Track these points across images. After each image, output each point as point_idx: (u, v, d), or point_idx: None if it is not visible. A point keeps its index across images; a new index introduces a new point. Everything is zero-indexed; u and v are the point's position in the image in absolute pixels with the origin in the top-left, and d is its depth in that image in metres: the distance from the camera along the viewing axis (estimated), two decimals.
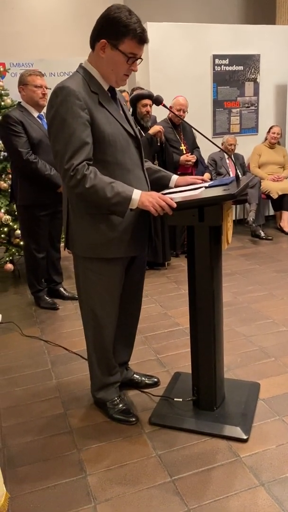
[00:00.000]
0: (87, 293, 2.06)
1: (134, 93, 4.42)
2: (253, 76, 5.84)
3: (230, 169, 5.44)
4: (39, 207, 3.42)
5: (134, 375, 2.46)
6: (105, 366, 2.18)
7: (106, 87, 1.89)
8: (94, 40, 1.83)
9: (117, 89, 1.99)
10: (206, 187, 2.05)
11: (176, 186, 2.17)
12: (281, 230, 5.60)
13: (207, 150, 5.24)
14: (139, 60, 1.85)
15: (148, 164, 2.18)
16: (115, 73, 1.85)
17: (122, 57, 1.80)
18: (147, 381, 2.46)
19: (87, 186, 1.74)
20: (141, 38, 1.78)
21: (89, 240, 1.93)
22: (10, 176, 4.02)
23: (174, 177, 2.19)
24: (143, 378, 2.47)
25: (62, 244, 3.90)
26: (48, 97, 3.31)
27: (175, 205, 1.78)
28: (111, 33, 1.77)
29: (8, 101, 4.17)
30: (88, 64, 1.88)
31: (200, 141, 4.96)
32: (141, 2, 7.11)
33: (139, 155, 2.00)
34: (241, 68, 5.75)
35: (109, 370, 2.20)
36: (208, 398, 2.15)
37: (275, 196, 5.43)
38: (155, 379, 2.47)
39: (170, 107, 4.62)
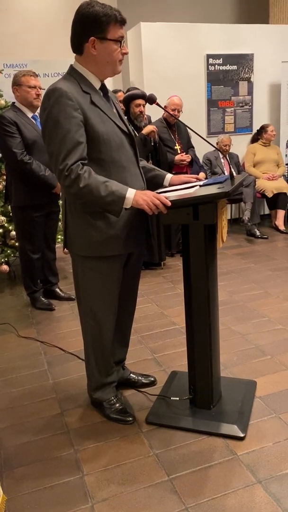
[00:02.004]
0: (86, 292, 2.06)
1: (128, 93, 4.42)
2: (247, 76, 5.86)
3: (225, 168, 5.45)
4: (34, 208, 3.41)
5: (131, 375, 2.46)
6: (103, 365, 2.18)
7: (97, 86, 1.90)
8: (80, 43, 1.84)
9: (111, 90, 2.00)
10: (200, 186, 2.05)
11: (170, 185, 2.17)
12: (276, 228, 5.62)
13: (202, 149, 5.25)
14: (125, 43, 1.88)
15: (142, 163, 2.18)
16: (111, 63, 1.86)
17: (114, 44, 1.82)
18: (143, 381, 2.45)
19: (81, 185, 1.74)
20: (122, 20, 1.83)
21: (87, 238, 1.93)
22: (4, 177, 4.01)
23: (168, 176, 2.19)
24: (140, 378, 2.46)
25: (57, 245, 3.92)
26: (42, 98, 3.31)
27: (169, 203, 1.79)
28: (96, 28, 1.79)
29: (2, 102, 4.15)
30: (78, 64, 1.89)
31: (195, 140, 4.97)
32: (135, 2, 7.11)
33: (134, 152, 2.01)
34: (234, 67, 5.77)
35: (107, 370, 2.20)
36: (204, 396, 2.16)
37: (270, 195, 5.44)
38: (152, 379, 2.47)
39: (165, 106, 4.63)
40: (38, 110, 3.30)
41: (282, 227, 5.55)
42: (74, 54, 1.90)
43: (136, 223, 1.97)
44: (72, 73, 1.88)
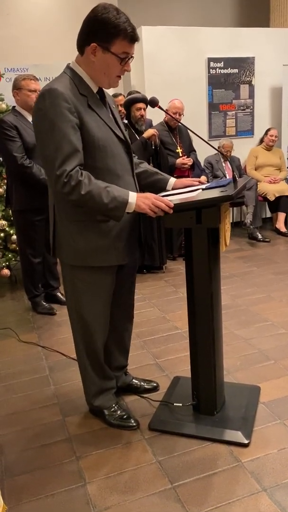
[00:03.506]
0: (76, 301, 2.01)
1: (128, 97, 4.41)
2: (248, 79, 5.85)
3: (226, 172, 5.44)
4: (34, 212, 3.40)
5: (133, 380, 2.43)
6: (100, 369, 2.14)
7: (95, 90, 1.84)
8: (83, 44, 1.77)
9: (111, 92, 1.96)
10: (203, 189, 2.03)
11: (173, 189, 2.14)
12: (277, 231, 5.59)
13: (203, 153, 5.23)
14: (131, 59, 1.79)
15: (145, 166, 2.15)
16: (108, 75, 1.79)
17: (115, 58, 1.74)
18: (146, 386, 2.42)
19: (83, 192, 1.68)
20: (132, 37, 1.73)
21: (77, 247, 1.87)
22: (5, 181, 4.00)
23: (172, 180, 2.15)
24: (142, 383, 2.43)
25: None
26: None
27: (172, 204, 1.76)
28: (101, 36, 1.71)
29: (3, 106, 4.15)
30: (76, 65, 1.82)
31: (196, 144, 4.96)
32: (135, 6, 7.12)
33: (129, 160, 1.95)
34: (236, 71, 5.76)
35: (104, 373, 2.16)
36: (208, 402, 2.13)
37: (271, 198, 5.42)
38: (155, 384, 2.44)
39: (166, 110, 4.62)
40: None
41: (283, 229, 5.52)
42: (75, 56, 1.83)
43: (128, 233, 1.92)
44: (70, 74, 1.80)
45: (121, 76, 1.84)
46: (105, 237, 1.86)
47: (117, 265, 1.99)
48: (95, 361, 2.11)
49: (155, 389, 2.42)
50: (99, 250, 1.87)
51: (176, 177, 2.23)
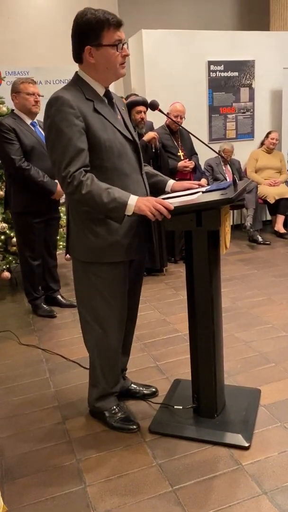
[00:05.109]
0: (90, 299, 2.02)
1: (129, 100, 4.43)
2: (248, 82, 5.86)
3: (226, 175, 5.44)
4: (33, 214, 3.41)
5: (132, 385, 2.42)
6: (111, 374, 2.14)
7: (101, 93, 1.90)
8: (78, 52, 1.85)
9: (116, 95, 1.99)
10: (203, 192, 2.03)
11: (172, 191, 2.16)
12: (277, 234, 5.59)
13: (203, 156, 5.24)
14: (125, 44, 1.85)
15: (146, 168, 2.18)
16: (111, 68, 1.85)
17: (110, 49, 1.81)
18: (145, 391, 2.41)
19: (83, 192, 1.74)
20: (117, 23, 1.80)
21: (90, 244, 1.92)
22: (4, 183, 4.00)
23: (170, 182, 2.18)
24: (141, 388, 2.42)
25: (58, 252, 3.90)
26: (40, 104, 3.32)
27: (172, 207, 1.77)
28: (90, 36, 1.79)
29: (4, 109, 4.16)
30: (81, 71, 1.90)
31: (196, 147, 4.97)
32: (136, 10, 7.15)
33: (138, 159, 2.00)
34: (236, 74, 5.77)
35: (115, 379, 2.16)
36: (208, 405, 2.13)
37: (272, 201, 5.42)
38: (153, 389, 2.43)
39: (168, 113, 4.62)
40: (37, 117, 3.33)
41: (282, 230, 5.53)
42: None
43: (138, 230, 1.95)
44: (76, 80, 1.89)
45: (125, 64, 1.88)
46: (117, 233, 1.90)
47: (128, 262, 2.02)
48: (107, 364, 2.11)
49: (154, 394, 2.41)
50: (111, 246, 1.91)
51: (178, 180, 2.25)
